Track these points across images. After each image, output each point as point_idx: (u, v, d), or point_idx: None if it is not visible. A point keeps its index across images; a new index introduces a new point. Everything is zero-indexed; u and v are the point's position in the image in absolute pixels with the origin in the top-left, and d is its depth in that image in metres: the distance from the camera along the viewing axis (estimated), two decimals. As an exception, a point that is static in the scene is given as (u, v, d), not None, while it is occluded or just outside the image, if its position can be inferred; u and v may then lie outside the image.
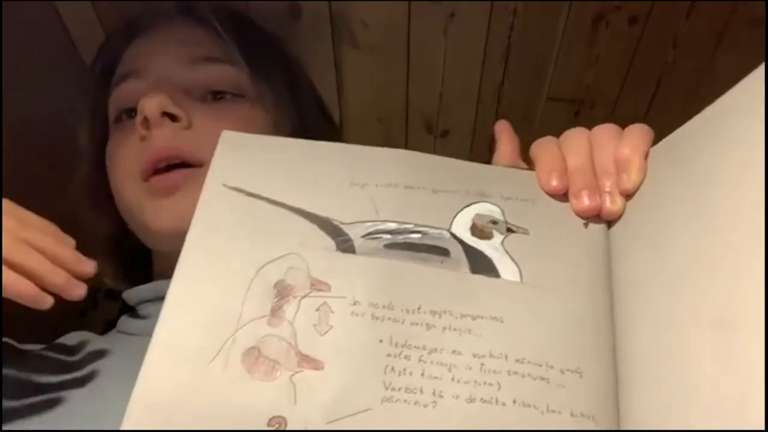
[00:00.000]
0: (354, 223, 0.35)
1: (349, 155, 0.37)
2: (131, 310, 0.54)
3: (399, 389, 0.29)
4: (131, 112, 0.53)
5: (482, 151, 1.16)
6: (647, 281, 0.31)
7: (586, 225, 0.35)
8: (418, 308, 0.32)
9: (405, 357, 0.30)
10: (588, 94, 1.00)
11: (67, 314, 1.15)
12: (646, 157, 0.35)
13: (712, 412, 0.24)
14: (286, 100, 0.56)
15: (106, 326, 1.12)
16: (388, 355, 0.30)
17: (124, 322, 0.52)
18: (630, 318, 0.31)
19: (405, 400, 0.29)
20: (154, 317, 0.49)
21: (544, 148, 0.38)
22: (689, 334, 0.27)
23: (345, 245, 0.34)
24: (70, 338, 0.50)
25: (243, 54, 0.53)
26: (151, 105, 0.48)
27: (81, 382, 0.44)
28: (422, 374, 0.30)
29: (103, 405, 0.41)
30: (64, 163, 0.66)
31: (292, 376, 0.29)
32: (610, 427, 0.29)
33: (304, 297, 0.32)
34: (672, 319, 0.28)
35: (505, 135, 0.41)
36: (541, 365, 0.30)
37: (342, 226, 0.34)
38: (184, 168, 0.48)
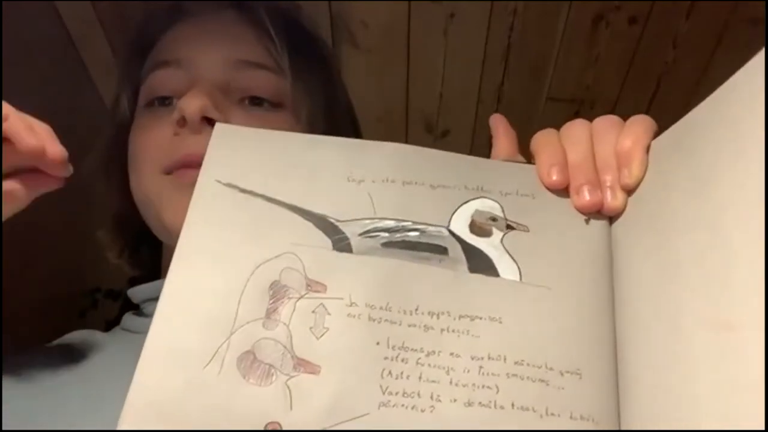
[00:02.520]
0: (351, 220, 0.34)
1: (345, 149, 0.36)
2: (135, 308, 0.53)
3: (396, 394, 0.29)
4: (165, 99, 0.52)
5: (482, 152, 1.16)
6: (650, 280, 0.30)
7: (587, 221, 0.35)
8: (416, 309, 0.31)
9: (402, 360, 0.30)
10: (588, 94, 1.00)
11: (67, 314, 1.15)
12: (647, 149, 0.34)
13: (714, 413, 0.24)
14: (322, 114, 0.55)
15: (106, 326, 1.13)
16: (385, 358, 0.30)
17: (129, 319, 0.52)
18: (631, 317, 0.31)
19: (402, 405, 0.29)
20: None
21: (544, 141, 0.37)
22: (692, 336, 0.26)
23: (341, 244, 0.33)
24: (74, 336, 0.50)
25: (290, 64, 0.52)
26: (193, 108, 0.46)
27: (84, 380, 0.43)
28: (420, 378, 0.29)
29: (106, 403, 0.41)
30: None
31: (287, 380, 0.29)
32: (610, 428, 0.29)
33: (300, 298, 0.31)
34: (674, 320, 0.28)
35: (501, 129, 0.40)
36: (540, 367, 0.30)
37: (338, 224, 0.33)
38: None
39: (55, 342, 0.50)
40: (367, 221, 0.34)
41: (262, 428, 0.27)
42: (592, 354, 0.31)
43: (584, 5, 0.89)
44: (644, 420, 0.28)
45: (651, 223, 0.32)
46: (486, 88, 1.00)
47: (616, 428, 0.29)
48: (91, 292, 1.17)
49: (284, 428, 0.27)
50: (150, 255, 0.57)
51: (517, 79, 0.98)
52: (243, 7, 0.55)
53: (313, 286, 0.31)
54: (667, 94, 0.98)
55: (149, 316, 0.50)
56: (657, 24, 0.91)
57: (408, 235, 0.33)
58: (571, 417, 0.29)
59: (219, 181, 0.34)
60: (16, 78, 0.75)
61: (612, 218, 0.35)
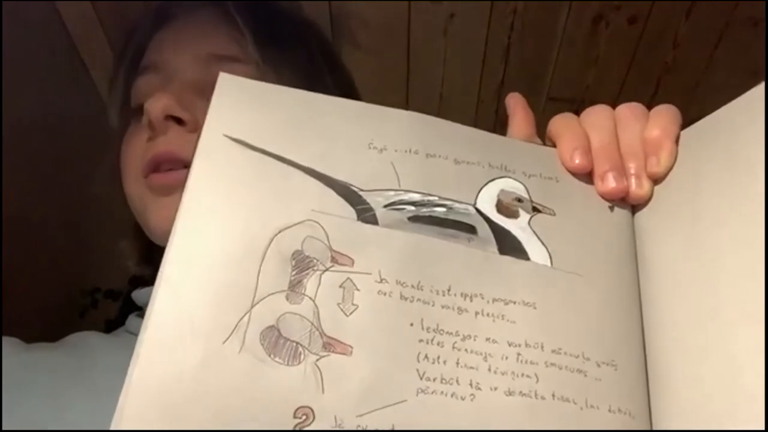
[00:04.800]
0: (374, 190, 0.31)
1: (363, 113, 0.33)
2: (139, 309, 0.53)
3: (434, 380, 0.26)
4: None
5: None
6: (683, 272, 0.29)
7: (611, 208, 0.33)
8: (448, 290, 0.29)
9: (438, 343, 0.27)
10: (588, 94, 1.00)
11: (67, 314, 1.15)
12: (676, 140, 0.33)
13: (753, 410, 0.23)
14: None
15: (106, 326, 1.12)
16: (420, 340, 0.27)
17: (133, 321, 0.52)
18: (663, 310, 0.30)
19: (442, 392, 0.26)
20: None
21: (565, 124, 0.35)
22: (735, 330, 0.25)
23: (366, 215, 0.30)
24: (76, 338, 0.50)
25: (263, 54, 0.51)
26: (154, 108, 0.47)
27: (88, 383, 0.43)
28: (457, 363, 0.27)
29: (110, 405, 0.41)
30: (64, 162, 0.66)
31: (317, 360, 0.26)
32: (645, 424, 0.28)
33: (325, 271, 0.28)
34: (715, 314, 0.27)
35: (520, 108, 0.38)
36: (577, 357, 0.28)
37: (362, 193, 0.31)
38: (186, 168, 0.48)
39: (57, 343, 0.49)
40: (392, 193, 0.31)
41: (292, 412, 0.25)
42: (624, 345, 0.29)
43: (584, 5, 0.89)
44: (679, 414, 0.27)
45: (681, 214, 0.31)
46: (486, 88, 1.00)
47: (649, 421, 0.28)
48: (91, 292, 1.16)
49: (316, 412, 0.25)
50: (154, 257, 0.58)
51: (517, 79, 0.98)
52: (217, 4, 0.55)
53: (338, 258, 0.28)
54: (667, 94, 0.98)
55: None
56: (657, 24, 0.91)
57: (435, 211, 0.31)
58: (609, 410, 0.27)
59: (227, 136, 0.30)
60: (17, 78, 0.75)
61: (634, 207, 0.34)
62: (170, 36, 0.54)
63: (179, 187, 0.47)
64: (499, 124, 1.09)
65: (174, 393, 0.24)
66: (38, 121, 0.83)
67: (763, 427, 0.23)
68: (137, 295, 0.53)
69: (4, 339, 0.47)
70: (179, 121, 0.47)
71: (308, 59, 0.57)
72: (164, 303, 0.26)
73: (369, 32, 0.91)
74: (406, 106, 1.11)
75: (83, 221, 0.90)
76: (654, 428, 0.28)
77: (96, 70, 0.92)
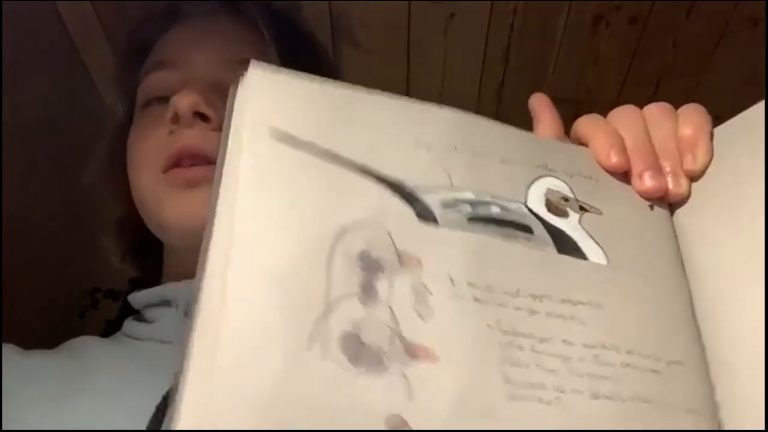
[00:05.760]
0: (428, 188, 0.29)
1: (405, 108, 0.32)
2: (135, 313, 0.53)
3: (522, 385, 0.25)
4: (162, 99, 0.52)
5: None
6: (733, 269, 0.29)
7: (651, 207, 0.33)
8: (517, 291, 0.28)
9: (518, 347, 0.26)
10: (588, 94, 1.00)
11: (67, 314, 1.15)
12: (711, 138, 0.33)
13: None
14: None
15: (106, 326, 1.12)
16: (500, 344, 0.26)
17: (129, 325, 0.51)
18: (717, 307, 0.30)
19: (530, 398, 0.25)
20: (159, 322, 0.49)
21: (595, 124, 0.35)
22: None
23: (426, 214, 0.29)
24: (75, 343, 0.50)
25: (281, 63, 0.52)
26: (184, 103, 0.47)
27: (86, 387, 0.43)
28: (538, 366, 0.26)
29: (108, 409, 0.41)
30: (64, 162, 0.66)
31: (402, 368, 0.24)
32: (713, 423, 0.27)
33: (395, 273, 0.26)
34: (762, 306, 0.26)
35: (547, 108, 0.38)
36: (648, 356, 0.27)
37: (417, 192, 0.29)
38: (208, 165, 0.48)
39: (55, 349, 0.49)
40: (446, 191, 0.30)
41: (383, 422, 0.23)
42: (687, 344, 0.29)
43: (584, 5, 0.89)
44: (746, 411, 0.26)
45: (723, 211, 0.31)
46: (486, 88, 1.00)
47: (716, 420, 0.27)
48: (91, 292, 1.16)
49: (410, 422, 0.23)
50: (152, 258, 0.58)
51: (517, 79, 0.98)
52: (237, 7, 0.55)
53: (406, 259, 0.27)
54: (667, 94, 0.98)
55: (150, 322, 0.50)
56: (657, 24, 0.91)
57: (491, 210, 0.30)
58: (687, 410, 0.27)
59: (273, 130, 0.28)
60: (17, 78, 0.75)
61: (672, 206, 0.34)
62: (190, 36, 0.54)
63: (203, 182, 0.47)
64: (499, 124, 1.08)
65: (259, 399, 0.22)
66: (38, 121, 0.83)
67: (763, 427, 0.23)
68: (133, 297, 0.53)
69: (3, 346, 0.47)
70: (204, 117, 0.48)
71: (320, 72, 0.58)
72: (237, 307, 0.24)
73: (369, 32, 0.91)
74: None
75: (83, 221, 0.90)
76: (722, 426, 0.27)
77: (96, 70, 0.92)
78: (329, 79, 0.32)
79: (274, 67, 0.32)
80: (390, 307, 0.25)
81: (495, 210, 0.30)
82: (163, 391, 0.39)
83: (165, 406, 0.39)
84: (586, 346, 0.27)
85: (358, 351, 0.24)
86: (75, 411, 0.41)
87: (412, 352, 0.25)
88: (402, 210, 0.28)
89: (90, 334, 0.52)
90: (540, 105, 0.39)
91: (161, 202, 0.48)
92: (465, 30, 0.91)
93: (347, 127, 0.30)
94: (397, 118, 0.31)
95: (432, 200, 0.29)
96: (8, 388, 0.43)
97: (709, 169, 0.32)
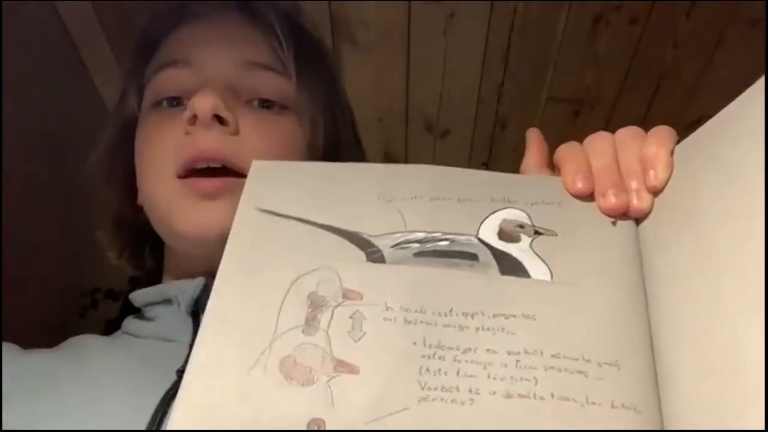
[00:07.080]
0: (383, 235, 0.35)
1: (375, 173, 0.38)
2: (136, 311, 0.53)
3: (435, 388, 0.29)
4: (174, 100, 0.52)
5: (482, 151, 1.16)
6: (686, 274, 0.31)
7: (614, 223, 0.35)
8: (450, 311, 0.32)
9: (439, 357, 0.30)
10: (588, 94, 1.00)
11: (67, 314, 1.15)
12: (671, 154, 0.35)
13: (760, 406, 0.24)
14: (324, 117, 0.55)
15: (106, 326, 1.13)
16: (423, 356, 0.30)
17: (130, 323, 0.51)
18: (669, 311, 0.31)
19: (442, 399, 0.29)
20: (160, 319, 0.49)
21: (568, 152, 0.38)
22: (735, 322, 0.26)
23: (375, 255, 0.34)
24: (75, 341, 0.50)
25: (295, 66, 0.52)
26: (204, 105, 0.46)
27: (87, 385, 0.43)
28: (457, 373, 0.30)
29: (109, 407, 0.41)
30: (64, 163, 0.66)
31: (328, 380, 0.30)
32: (652, 419, 0.29)
33: (337, 306, 0.32)
34: (716, 309, 0.28)
35: (536, 142, 0.41)
36: (577, 359, 0.30)
37: (371, 239, 0.35)
38: (225, 175, 0.47)
39: (55, 348, 0.49)
40: (398, 234, 0.35)
41: (306, 423, 0.28)
42: (628, 346, 0.31)
43: (584, 5, 0.89)
44: (689, 408, 0.28)
45: (682, 221, 0.32)
46: (486, 88, 1.00)
47: (659, 419, 0.29)
48: (91, 292, 1.17)
49: (328, 423, 0.28)
50: (152, 256, 0.57)
51: (517, 79, 0.98)
52: (249, 8, 0.55)
53: (349, 294, 0.33)
54: (667, 94, 0.98)
55: (151, 320, 0.50)
56: (657, 24, 0.91)
57: (438, 245, 0.35)
58: (612, 406, 0.29)
59: (258, 208, 0.36)
60: (17, 78, 0.75)
61: (638, 220, 0.35)
62: (201, 34, 0.54)
63: (218, 195, 0.47)
64: (498, 124, 1.10)
65: (210, 411, 0.30)
66: (38, 122, 0.83)
67: (763, 427, 0.23)
68: (134, 296, 0.53)
69: (3, 345, 0.47)
70: (222, 121, 0.47)
71: (328, 74, 0.58)
72: (203, 345, 0.31)
73: (369, 32, 0.91)
74: (406, 106, 1.11)
75: (83, 221, 0.90)
76: (665, 424, 0.29)
77: (96, 70, 0.92)
78: (316, 163, 0.40)
79: (271, 162, 0.40)
80: (327, 334, 0.31)
81: (442, 244, 0.35)
82: (163, 389, 0.39)
83: (165, 404, 0.39)
84: (510, 353, 0.30)
85: (293, 369, 0.30)
86: (75, 409, 0.41)
87: (339, 367, 0.30)
88: (354, 255, 0.34)
89: (90, 333, 0.52)
90: (530, 138, 0.42)
91: (174, 208, 0.48)
92: (465, 30, 0.92)
93: (321, 198, 0.37)
94: (365, 183, 0.37)
95: (383, 244, 0.35)
96: (8, 387, 0.43)
97: (672, 183, 0.34)
